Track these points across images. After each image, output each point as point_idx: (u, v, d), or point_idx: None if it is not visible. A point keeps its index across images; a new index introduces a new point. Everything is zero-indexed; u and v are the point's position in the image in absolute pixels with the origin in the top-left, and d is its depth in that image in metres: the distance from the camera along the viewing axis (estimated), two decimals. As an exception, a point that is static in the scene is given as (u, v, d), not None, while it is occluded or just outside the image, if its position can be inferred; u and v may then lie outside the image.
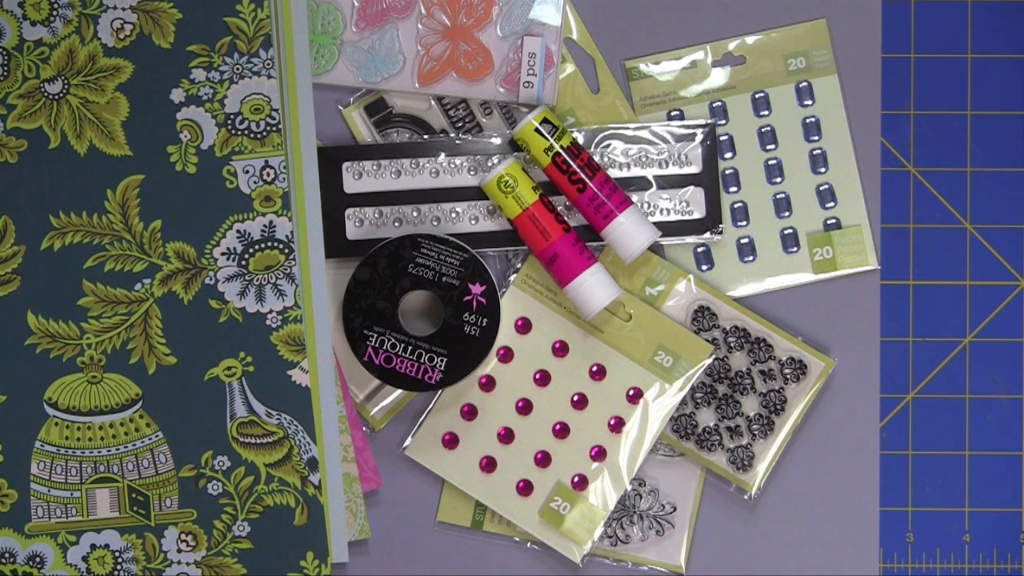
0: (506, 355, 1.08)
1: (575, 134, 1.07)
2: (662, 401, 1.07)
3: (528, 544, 1.09)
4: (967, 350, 1.16)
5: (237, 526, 1.06)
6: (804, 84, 1.09)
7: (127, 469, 1.05)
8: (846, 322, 1.09)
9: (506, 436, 1.08)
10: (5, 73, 1.05)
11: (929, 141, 1.16)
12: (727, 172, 1.09)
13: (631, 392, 1.07)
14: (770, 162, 1.09)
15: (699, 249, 1.09)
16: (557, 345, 1.08)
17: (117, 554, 1.05)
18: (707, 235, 1.08)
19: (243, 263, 1.05)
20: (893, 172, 1.16)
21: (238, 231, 1.06)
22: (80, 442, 1.05)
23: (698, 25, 1.09)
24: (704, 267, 1.09)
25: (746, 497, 1.08)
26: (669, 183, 1.08)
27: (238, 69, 1.06)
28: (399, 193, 1.07)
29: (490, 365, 1.08)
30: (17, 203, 1.05)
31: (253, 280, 1.06)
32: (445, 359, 1.05)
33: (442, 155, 1.07)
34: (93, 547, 1.05)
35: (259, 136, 1.06)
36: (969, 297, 1.16)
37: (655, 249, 1.09)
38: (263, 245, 1.06)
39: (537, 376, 1.08)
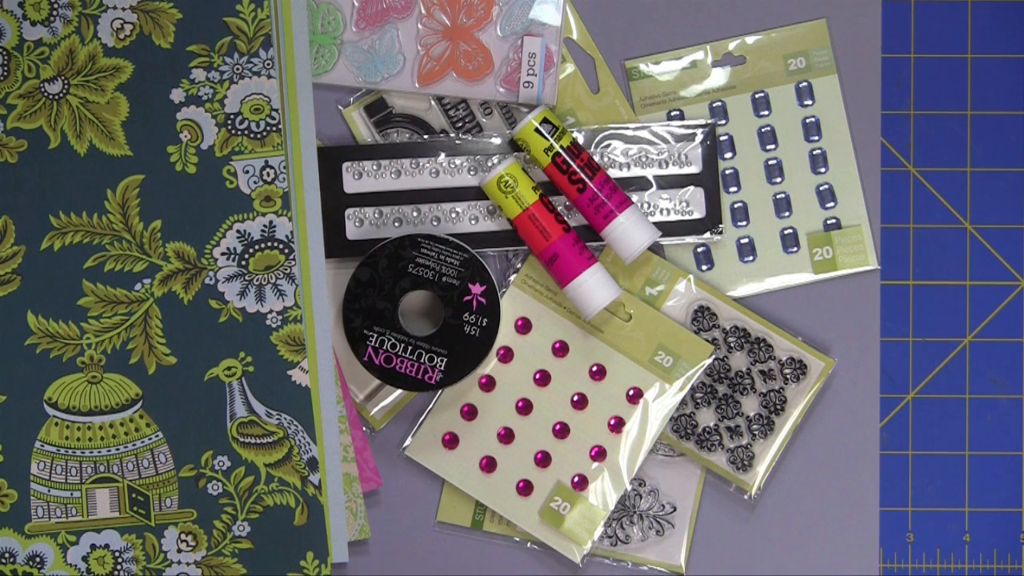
0: (506, 355, 1.08)
1: (575, 134, 1.07)
2: (662, 401, 1.07)
3: (528, 544, 1.09)
4: (967, 350, 1.16)
5: (237, 526, 1.06)
6: (804, 84, 1.09)
7: (127, 469, 1.05)
8: (846, 322, 1.09)
9: (506, 436, 1.08)
10: (5, 73, 1.05)
11: (929, 141, 1.16)
12: (727, 172, 1.09)
13: (631, 392, 1.07)
14: (770, 162, 1.09)
15: (699, 249, 1.09)
16: (557, 345, 1.08)
17: (117, 554, 1.05)
18: (707, 235, 1.08)
19: (243, 263, 1.05)
20: (893, 172, 1.16)
21: (238, 231, 1.06)
22: (80, 442, 1.05)
23: (698, 25, 1.09)
24: (704, 267, 1.09)
25: (746, 497, 1.08)
26: (669, 183, 1.08)
27: (238, 69, 1.06)
28: (399, 193, 1.07)
29: (490, 365, 1.08)
30: (17, 203, 1.05)
31: (253, 280, 1.06)
32: (445, 359, 1.05)
33: (442, 155, 1.07)
34: (93, 547, 1.05)
35: (259, 136, 1.06)
36: (969, 297, 1.16)
37: (655, 249, 1.09)
38: (263, 245, 1.06)
39: (537, 376, 1.08)
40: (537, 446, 1.08)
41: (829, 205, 1.09)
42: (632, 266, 1.08)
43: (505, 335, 1.08)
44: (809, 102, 1.09)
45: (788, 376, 1.08)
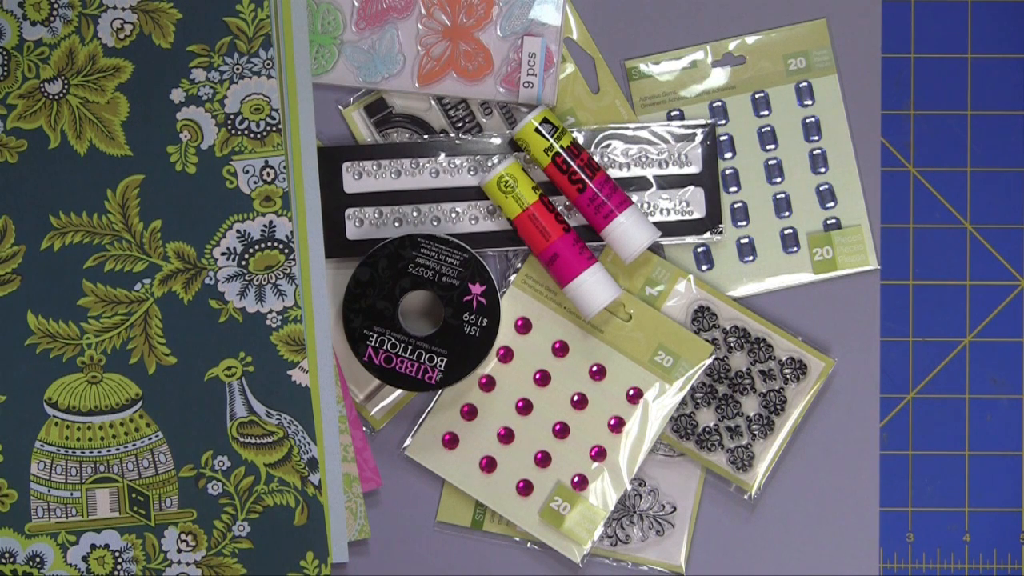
0: (506, 355, 1.08)
1: (575, 134, 1.07)
2: (662, 401, 1.07)
3: (528, 544, 1.09)
4: (967, 350, 1.16)
5: (237, 526, 1.06)
6: (804, 84, 1.09)
7: (127, 469, 1.05)
8: (846, 322, 1.09)
9: (506, 436, 1.08)
10: (5, 73, 1.05)
11: (929, 141, 1.16)
12: (727, 172, 1.09)
13: (631, 392, 1.07)
14: (770, 162, 1.09)
15: (699, 249, 1.09)
16: (557, 345, 1.08)
17: (117, 554, 1.05)
18: (707, 235, 1.08)
19: (243, 263, 1.05)
20: (893, 172, 1.16)
21: (238, 231, 1.06)
22: (80, 442, 1.05)
23: (698, 25, 1.09)
24: (704, 267, 1.09)
25: (746, 497, 1.08)
26: (669, 183, 1.08)
27: (238, 69, 1.06)
28: (399, 193, 1.07)
29: (490, 365, 1.08)
30: (17, 203, 1.05)
31: (253, 280, 1.06)
32: (445, 359, 1.05)
33: (442, 155, 1.07)
34: (93, 547, 1.05)
35: (259, 136, 1.06)
36: (969, 297, 1.16)
37: (655, 249, 1.09)
38: (263, 245, 1.06)
39: (537, 376, 1.08)
40: (537, 446, 1.08)
41: (829, 205, 1.09)
42: (632, 266, 1.08)
43: (505, 335, 1.08)
44: (809, 102, 1.09)
45: (788, 376, 1.08)
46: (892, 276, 1.16)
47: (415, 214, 1.07)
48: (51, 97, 1.05)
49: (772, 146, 1.09)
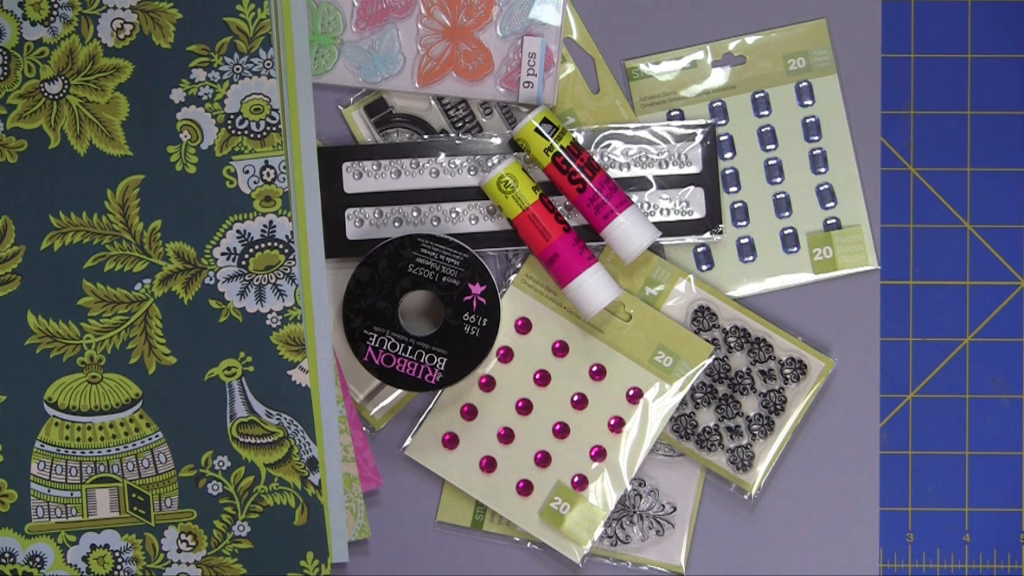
0: (506, 355, 1.08)
1: (575, 134, 1.07)
2: (662, 401, 1.07)
3: (528, 544, 1.09)
4: (967, 350, 1.16)
5: (237, 526, 1.06)
6: (804, 84, 1.09)
7: (127, 469, 1.05)
8: (846, 322, 1.09)
9: (506, 436, 1.08)
10: (5, 73, 1.05)
11: (929, 141, 1.16)
12: (727, 172, 1.09)
13: (631, 392, 1.07)
14: (770, 162, 1.09)
15: (699, 249, 1.09)
16: (557, 345, 1.08)
17: (117, 554, 1.05)
18: (707, 235, 1.08)
19: (243, 263, 1.05)
20: (893, 172, 1.16)
21: (238, 231, 1.06)
22: (80, 442, 1.05)
23: (698, 25, 1.09)
24: (704, 267, 1.09)
25: (746, 497, 1.08)
26: (669, 183, 1.08)
27: (238, 69, 1.06)
28: (399, 193, 1.07)
29: (490, 365, 1.08)
30: (17, 203, 1.05)
31: (253, 280, 1.06)
32: (445, 359, 1.05)
33: (442, 155, 1.07)
34: (93, 547, 1.05)
35: (259, 136, 1.06)
36: (969, 297, 1.16)
37: (655, 249, 1.09)
38: (263, 245, 1.06)
39: (537, 376, 1.08)
40: (537, 446, 1.08)
41: (829, 205, 1.09)
42: (632, 266, 1.08)
43: (505, 335, 1.08)
44: (809, 102, 1.09)
45: (788, 376, 1.08)
46: (892, 276, 1.16)
47: (415, 214, 1.07)
48: (51, 97, 1.05)
49: (772, 146, 1.09)
